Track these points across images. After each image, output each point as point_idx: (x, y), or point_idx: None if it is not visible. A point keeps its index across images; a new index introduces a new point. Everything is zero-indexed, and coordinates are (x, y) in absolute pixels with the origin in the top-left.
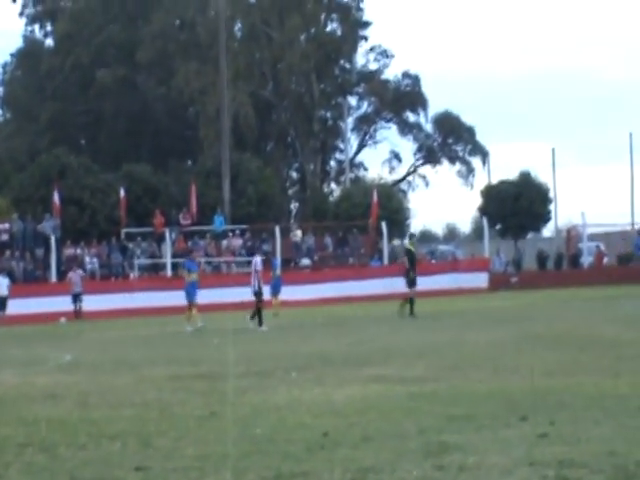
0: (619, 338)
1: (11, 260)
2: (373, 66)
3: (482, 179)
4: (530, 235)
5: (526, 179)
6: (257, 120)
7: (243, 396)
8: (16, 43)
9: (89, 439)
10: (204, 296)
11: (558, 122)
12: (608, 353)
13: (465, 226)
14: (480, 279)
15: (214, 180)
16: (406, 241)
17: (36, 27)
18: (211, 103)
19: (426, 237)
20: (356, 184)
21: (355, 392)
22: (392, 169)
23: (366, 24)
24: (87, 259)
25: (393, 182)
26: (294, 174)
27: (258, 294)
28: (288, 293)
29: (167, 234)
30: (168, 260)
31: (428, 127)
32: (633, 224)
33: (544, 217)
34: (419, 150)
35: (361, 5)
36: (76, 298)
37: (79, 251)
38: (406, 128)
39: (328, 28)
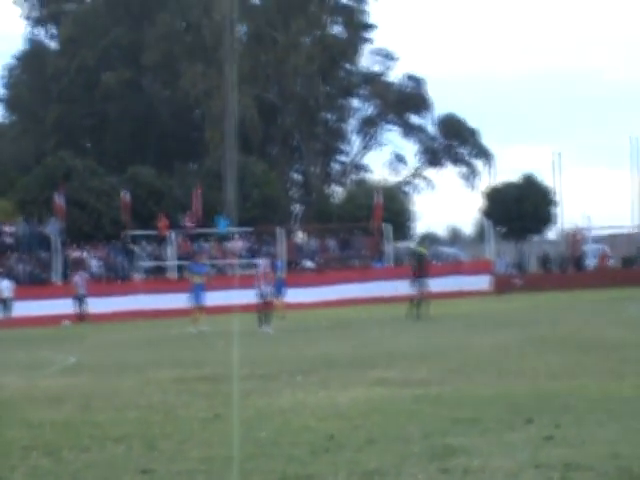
0: (623, 340)
1: (16, 262)
2: (377, 68)
3: (486, 181)
4: (534, 238)
5: (530, 182)
6: (262, 123)
7: (247, 399)
8: (21, 46)
9: (93, 442)
10: (208, 298)
11: (562, 125)
12: (612, 355)
13: (469, 228)
14: (483, 281)
15: (218, 183)
16: (414, 245)
17: (41, 30)
18: (216, 106)
19: (429, 239)
20: (360, 186)
21: (359, 395)
22: (396, 171)
23: (370, 26)
24: (91, 262)
25: (397, 184)
26: (298, 176)
27: (264, 297)
28: (292, 295)
29: (172, 237)
30: (172, 263)
31: (432, 129)
32: (637, 226)
33: (548, 220)
34: (423, 152)
35: (365, 8)
36: (80, 301)
37: (83, 254)
38: (410, 130)
39: (332, 31)
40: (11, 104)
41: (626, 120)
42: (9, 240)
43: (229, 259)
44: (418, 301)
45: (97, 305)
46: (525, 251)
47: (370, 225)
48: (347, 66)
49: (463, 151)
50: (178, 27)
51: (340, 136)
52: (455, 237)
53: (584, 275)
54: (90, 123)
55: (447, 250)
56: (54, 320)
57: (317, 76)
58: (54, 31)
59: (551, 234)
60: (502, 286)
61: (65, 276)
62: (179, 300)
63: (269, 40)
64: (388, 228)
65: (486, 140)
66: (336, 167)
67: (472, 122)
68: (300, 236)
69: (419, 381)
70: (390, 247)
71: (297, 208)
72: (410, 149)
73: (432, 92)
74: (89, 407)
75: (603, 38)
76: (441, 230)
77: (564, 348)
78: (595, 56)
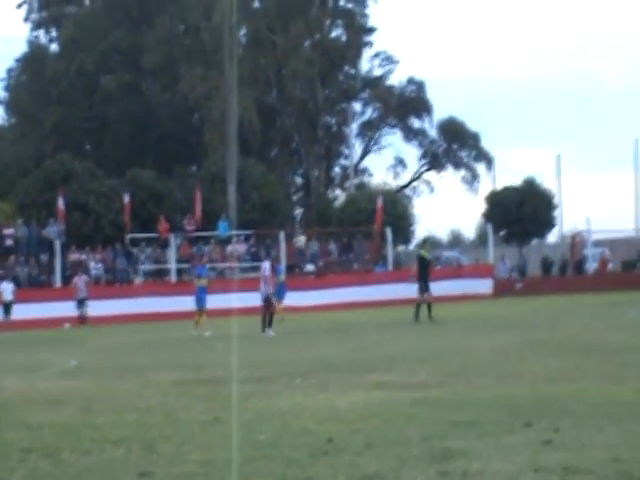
0: (623, 344)
1: (16, 265)
2: (378, 72)
3: (487, 185)
4: (535, 241)
5: (531, 185)
6: (261, 126)
7: (247, 401)
8: (21, 48)
9: (93, 444)
10: (208, 301)
11: (563, 128)
12: (612, 359)
13: (470, 232)
14: (484, 285)
15: (219, 185)
16: (416, 247)
17: (41, 32)
18: (216, 108)
19: (430, 243)
20: (361, 190)
21: (359, 398)
22: (397, 175)
23: (371, 30)
24: (92, 264)
25: (398, 188)
26: (299, 180)
27: (267, 299)
28: (292, 299)
29: (172, 240)
30: (173, 266)
31: (433, 133)
32: (638, 230)
33: (549, 223)
34: (424, 156)
35: (366, 11)
36: (81, 303)
37: (84, 256)
38: (411, 134)
39: (333, 34)
40: (11, 107)
41: (627, 123)
42: (9, 243)
43: (229, 262)
44: (419, 304)
45: (97, 308)
46: (526, 255)
47: (371, 229)
48: (347, 70)
49: (464, 154)
50: (177, 30)
51: (341, 140)
52: (456, 241)
53: (584, 279)
54: (90, 126)
55: (448, 254)
56: (55, 323)
57: (317, 79)
58: (54, 34)
59: (552, 238)
60: (503, 290)
61: (65, 279)
62: (179, 303)
63: (269, 43)
64: (389, 232)
65: (487, 143)
66: (337, 171)
67: (472, 125)
68: (301, 239)
69: (418, 384)
70: (391, 251)
71: (297, 211)
72: (411, 153)
73: (432, 95)
74: (89, 410)
75: (604, 41)
76: (442, 234)
77: (564, 352)
78: (596, 59)
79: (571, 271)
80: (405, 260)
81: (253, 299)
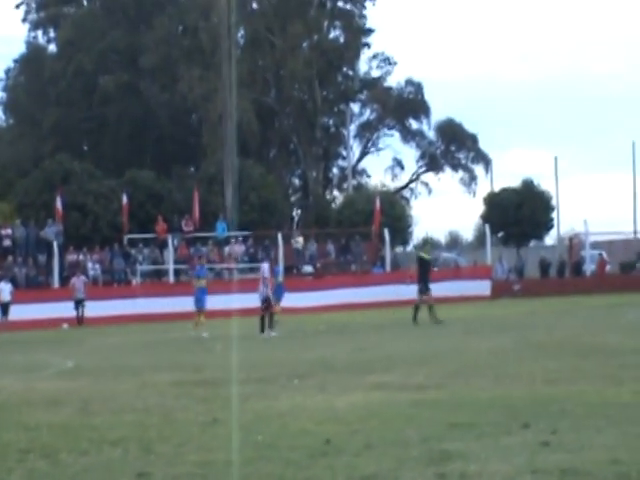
0: (622, 346)
1: (14, 266)
2: (376, 73)
3: (485, 187)
4: (533, 243)
5: (529, 187)
6: (259, 127)
7: (245, 402)
8: (19, 49)
9: (91, 445)
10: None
11: (561, 130)
12: (611, 361)
13: (468, 233)
14: (482, 287)
15: (217, 186)
16: (414, 248)
17: (39, 33)
18: (214, 109)
19: (424, 243)
20: (359, 191)
21: (357, 399)
22: (395, 176)
23: (369, 31)
24: (89, 265)
25: (396, 189)
26: (296, 181)
27: (266, 301)
28: (290, 300)
29: (169, 240)
30: (170, 266)
31: (431, 134)
32: (636, 232)
33: (546, 225)
34: (422, 157)
35: (364, 12)
36: (78, 304)
37: (81, 257)
38: (409, 135)
39: (331, 35)
40: (9, 107)
41: (625, 125)
42: (7, 243)
43: (227, 263)
44: (417, 306)
45: (95, 308)
46: (524, 256)
47: (369, 230)
48: (346, 71)
49: (462, 156)
50: (176, 31)
51: (339, 141)
52: (454, 242)
53: (582, 281)
54: (88, 126)
55: (446, 255)
56: (52, 323)
57: (315, 80)
58: (52, 34)
59: (550, 239)
60: (501, 291)
61: (63, 279)
62: (177, 304)
63: (267, 44)
64: (387, 233)
65: (485, 145)
66: (335, 172)
67: (470, 126)
68: (298, 241)
69: (417, 385)
70: (389, 252)
71: (295, 212)
72: (409, 154)
73: (430, 96)
74: (86, 410)
75: (602, 42)
76: (440, 235)
77: (562, 353)
78: (594, 60)
79: (569, 273)
80: (403, 261)
81: (251, 300)
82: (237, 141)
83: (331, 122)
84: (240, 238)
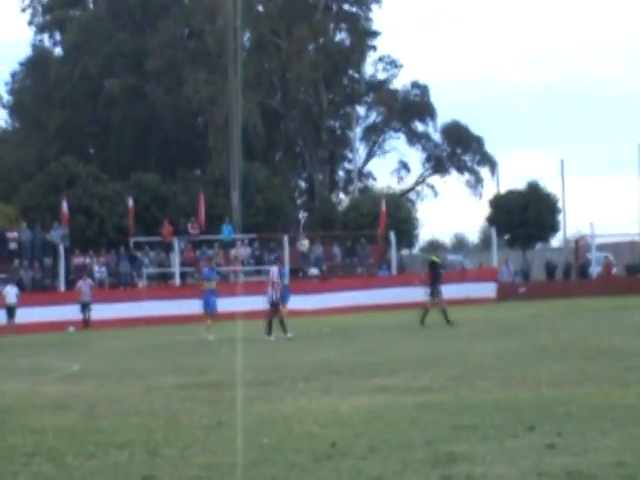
0: (627, 348)
1: (20, 269)
2: (382, 76)
3: (490, 189)
4: (538, 245)
5: (534, 189)
6: (265, 129)
7: (250, 405)
8: (25, 52)
9: (96, 448)
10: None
11: (567, 132)
12: (616, 363)
13: (473, 236)
14: (488, 289)
15: (222, 189)
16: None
17: (45, 36)
18: (220, 112)
19: (434, 247)
20: (364, 194)
21: (362, 402)
22: (400, 179)
23: (375, 34)
24: (95, 268)
25: (401, 192)
26: (302, 184)
27: (274, 304)
28: (296, 303)
29: (175, 243)
30: (176, 269)
31: (437, 137)
32: None
33: (552, 227)
34: (427, 160)
35: (370, 15)
36: (85, 307)
37: (87, 260)
38: (414, 138)
39: (337, 38)
40: (15, 110)
41: (631, 127)
42: (13, 246)
43: (233, 266)
44: (426, 310)
45: (101, 311)
46: (529, 259)
47: (375, 233)
48: (351, 73)
49: (467, 158)
50: (181, 34)
51: (345, 143)
52: (460, 245)
53: (588, 283)
54: (93, 129)
55: (452, 258)
56: (58, 326)
57: (321, 83)
58: (58, 38)
59: (555, 242)
60: (506, 294)
61: (69, 282)
62: (183, 306)
63: (273, 47)
64: (393, 236)
65: (490, 147)
66: (341, 174)
67: (476, 129)
68: (304, 243)
69: (421, 388)
70: (394, 255)
71: (301, 215)
72: (415, 156)
73: (436, 99)
74: (92, 413)
75: (608, 44)
76: (446, 238)
77: (567, 356)
78: (600, 62)
79: (575, 275)
80: (409, 264)
81: (257, 303)
82: (243, 144)
83: (337, 125)
84: (246, 241)
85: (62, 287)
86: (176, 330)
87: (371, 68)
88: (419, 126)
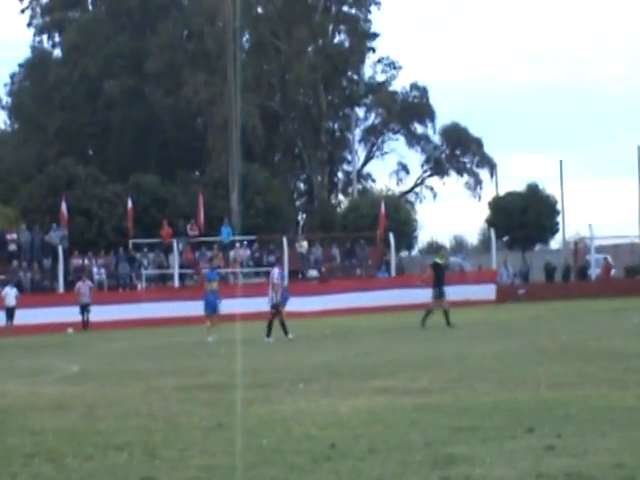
0: (627, 350)
1: (19, 270)
2: (381, 77)
3: (490, 191)
4: (538, 247)
5: (534, 191)
6: (264, 131)
7: (250, 407)
8: (24, 53)
9: (96, 450)
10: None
11: (566, 134)
12: (615, 365)
13: (473, 238)
14: (487, 291)
15: (222, 191)
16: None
17: (44, 38)
18: (219, 114)
19: (433, 249)
20: (364, 195)
21: (362, 404)
22: (400, 181)
23: (374, 35)
24: (94, 269)
25: (401, 194)
26: (302, 185)
27: (275, 306)
28: (295, 304)
29: (175, 245)
30: (176, 271)
31: (436, 139)
32: None
33: (552, 229)
34: (427, 162)
35: (369, 17)
36: (84, 309)
37: (87, 261)
38: (414, 140)
39: (336, 39)
40: (14, 112)
41: (631, 129)
42: (12, 248)
43: (232, 267)
44: (429, 311)
45: (100, 313)
46: (529, 260)
47: (374, 234)
48: (351, 75)
49: (467, 160)
50: (181, 35)
51: (344, 145)
52: (459, 246)
53: (587, 285)
54: (93, 131)
55: (451, 259)
56: (58, 328)
57: (320, 85)
58: (57, 39)
59: (555, 244)
60: (506, 295)
61: (68, 284)
62: (182, 308)
63: (272, 49)
64: (392, 238)
65: (490, 149)
66: (340, 176)
67: (475, 130)
68: (303, 245)
69: (421, 390)
70: (394, 257)
71: (300, 217)
72: (414, 158)
73: (435, 100)
74: (91, 415)
75: (608, 46)
76: (445, 239)
77: (566, 357)
78: (600, 64)
79: (574, 277)
80: (408, 266)
81: (256, 304)
82: (242, 145)
83: (336, 126)
84: (245, 242)
85: (61, 288)
86: (175, 331)
87: (370, 70)
88: (418, 128)
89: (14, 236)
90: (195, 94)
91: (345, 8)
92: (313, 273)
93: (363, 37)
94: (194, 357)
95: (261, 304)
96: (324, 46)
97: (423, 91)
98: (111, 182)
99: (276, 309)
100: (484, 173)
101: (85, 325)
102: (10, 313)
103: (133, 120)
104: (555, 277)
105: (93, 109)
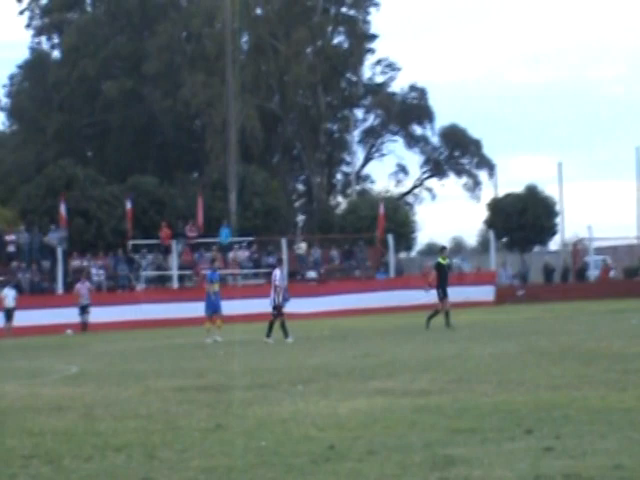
0: (625, 351)
1: (18, 271)
2: (380, 79)
3: (489, 192)
4: (536, 248)
5: (532, 192)
6: (263, 132)
7: (248, 408)
8: (23, 55)
9: (94, 451)
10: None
11: (565, 135)
12: (614, 366)
13: (471, 239)
14: (486, 292)
15: (220, 192)
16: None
17: (43, 39)
18: (218, 115)
19: (432, 250)
20: (362, 197)
21: (360, 405)
22: (399, 182)
23: (373, 37)
24: (93, 271)
25: (399, 195)
26: (300, 187)
27: (277, 307)
28: (294, 305)
29: (173, 246)
30: (174, 272)
31: (435, 140)
32: (639, 237)
33: (550, 230)
34: (426, 163)
35: (368, 18)
36: (83, 310)
37: (85, 263)
38: (413, 141)
39: (335, 41)
40: (13, 113)
41: (629, 131)
42: (11, 249)
43: (231, 269)
44: (436, 311)
45: (99, 314)
46: (527, 262)
47: (373, 236)
48: (349, 76)
49: (465, 161)
50: (179, 37)
51: (343, 146)
52: (458, 248)
53: (586, 286)
54: (91, 132)
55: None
56: (57, 329)
57: (319, 86)
58: (56, 40)
59: (553, 245)
60: (505, 297)
61: (67, 285)
62: (181, 309)
63: (271, 50)
64: (390, 239)
65: (489, 150)
66: (339, 177)
67: (474, 132)
68: (301, 247)
69: (420, 391)
70: (392, 258)
71: (299, 218)
72: (413, 160)
73: (434, 102)
74: (90, 416)
75: (607, 47)
76: (444, 241)
77: (565, 359)
78: (599, 66)
79: (573, 278)
80: (407, 267)
81: (254, 305)
82: (241, 147)
83: (335, 128)
84: (244, 244)
85: (60, 290)
86: (174, 333)
87: (369, 71)
88: (417, 129)
89: (13, 237)
90: (194, 95)
91: (344, 9)
92: (312, 274)
93: (362, 38)
94: (193, 358)
95: (259, 305)
96: (323, 47)
97: (422, 92)
98: (110, 183)
99: (278, 310)
100: (483, 174)
101: (84, 326)
102: (9, 314)
103: (132, 121)
104: (554, 278)
105: (92, 110)
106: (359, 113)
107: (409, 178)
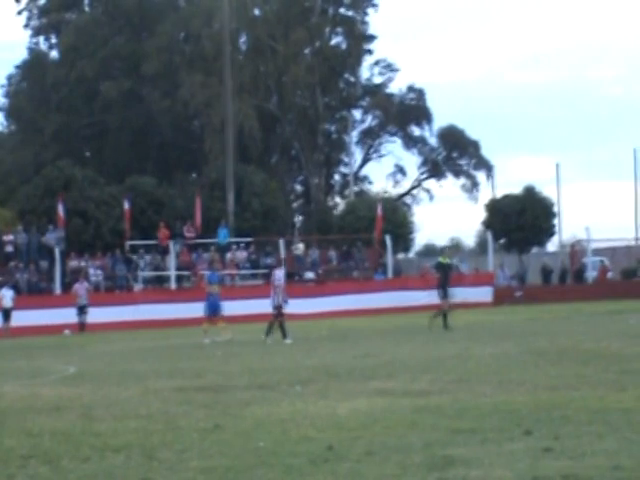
0: (623, 352)
1: (16, 272)
2: (378, 80)
3: (486, 193)
4: (534, 249)
5: (530, 193)
6: (261, 133)
7: (247, 409)
8: (21, 55)
9: (93, 451)
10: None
11: (563, 137)
12: (612, 367)
13: (470, 240)
14: (484, 293)
15: (219, 193)
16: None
17: (41, 39)
18: (216, 116)
19: (430, 251)
20: (360, 197)
21: (360, 405)
22: (397, 183)
23: (371, 38)
24: (91, 271)
25: (398, 196)
26: (298, 187)
27: (278, 308)
28: (292, 306)
29: (171, 247)
30: (172, 272)
31: (433, 141)
32: (637, 239)
33: (548, 231)
34: (424, 164)
35: (366, 19)
36: (81, 310)
37: (83, 263)
38: (411, 142)
39: (333, 42)
40: (11, 113)
41: (627, 132)
42: (9, 249)
43: (229, 269)
44: (441, 311)
45: (97, 315)
46: (525, 263)
47: (371, 236)
48: (348, 77)
49: (464, 162)
50: (178, 37)
51: (341, 147)
52: (456, 249)
53: (584, 287)
54: (90, 133)
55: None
56: (55, 329)
57: (317, 87)
58: (54, 41)
59: (551, 246)
60: (503, 298)
61: (65, 285)
62: (179, 310)
63: (269, 50)
64: (389, 240)
65: (487, 151)
66: (337, 178)
67: (473, 133)
68: (299, 247)
69: (419, 392)
70: (391, 259)
71: (297, 219)
72: (411, 160)
73: (433, 104)
74: (89, 416)
75: (606, 48)
76: (442, 242)
77: (564, 360)
78: (597, 67)
79: (571, 279)
80: (405, 268)
81: (252, 306)
82: (239, 147)
83: (333, 129)
84: (242, 244)
85: (58, 290)
86: (172, 333)
87: (367, 72)
88: (415, 130)
89: (11, 237)
90: (192, 96)
91: (342, 10)
92: (310, 275)
93: (360, 39)
94: (192, 359)
95: (258, 306)
96: (321, 48)
97: (420, 93)
98: (108, 184)
99: (278, 311)
100: (481, 175)
101: (82, 327)
102: (7, 314)
103: (130, 122)
104: (552, 279)
105: (90, 111)
106: (357, 114)
107: (407, 179)
